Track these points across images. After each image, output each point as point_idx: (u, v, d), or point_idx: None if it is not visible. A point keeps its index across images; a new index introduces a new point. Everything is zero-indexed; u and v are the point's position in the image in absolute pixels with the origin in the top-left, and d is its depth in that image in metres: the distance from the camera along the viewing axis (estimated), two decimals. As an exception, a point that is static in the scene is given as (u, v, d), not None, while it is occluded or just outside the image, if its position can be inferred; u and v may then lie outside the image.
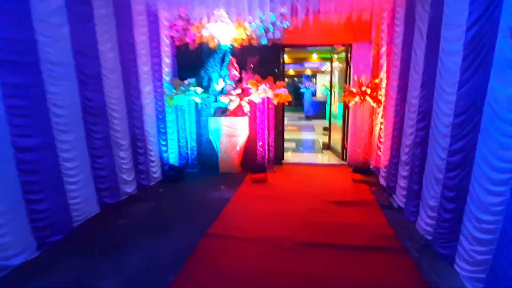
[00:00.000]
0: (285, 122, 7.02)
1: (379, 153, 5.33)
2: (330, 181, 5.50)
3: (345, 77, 6.28)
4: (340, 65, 9.02)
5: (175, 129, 5.98)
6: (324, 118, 13.64)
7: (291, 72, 18.53)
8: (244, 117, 5.85)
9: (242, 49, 5.92)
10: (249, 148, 6.18)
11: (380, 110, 5.39)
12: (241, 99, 5.81)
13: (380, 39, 5.36)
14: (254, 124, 6.11)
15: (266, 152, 6.10)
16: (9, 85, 2.70)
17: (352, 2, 4.43)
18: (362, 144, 5.98)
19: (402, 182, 4.15)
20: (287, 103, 5.90)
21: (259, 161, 6.08)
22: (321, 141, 8.78)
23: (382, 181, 5.07)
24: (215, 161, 6.02)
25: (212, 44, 5.86)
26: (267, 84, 5.60)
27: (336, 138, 7.98)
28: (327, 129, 10.09)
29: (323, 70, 17.23)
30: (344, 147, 6.63)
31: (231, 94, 5.77)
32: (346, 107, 6.40)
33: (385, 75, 5.15)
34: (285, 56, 6.93)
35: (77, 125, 3.54)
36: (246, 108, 5.95)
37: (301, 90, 15.67)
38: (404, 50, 4.20)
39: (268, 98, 5.83)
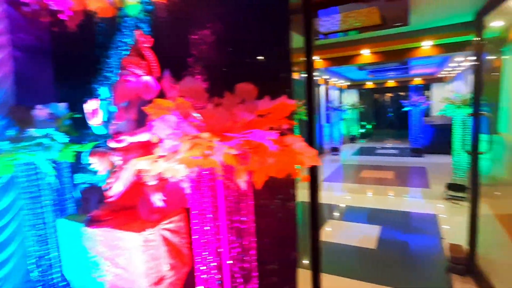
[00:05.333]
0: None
1: None
2: None
3: None
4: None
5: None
6: (445, 152, 7.93)
7: (390, 83, 13.21)
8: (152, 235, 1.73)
9: (175, 12, 1.95)
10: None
11: None
12: (138, 173, 1.72)
13: None
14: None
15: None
16: None
17: None
18: None
19: None
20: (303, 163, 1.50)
21: None
22: (444, 236, 3.77)
23: None
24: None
25: (109, 12, 2.10)
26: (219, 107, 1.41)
27: (499, 235, 3.06)
28: (460, 189, 4.89)
29: (441, 76, 11.38)
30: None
31: (116, 151, 1.77)
32: None
33: None
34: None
35: None
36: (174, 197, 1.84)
37: (404, 108, 10.28)
38: None
39: (226, 168, 1.57)
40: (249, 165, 1.40)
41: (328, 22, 3.77)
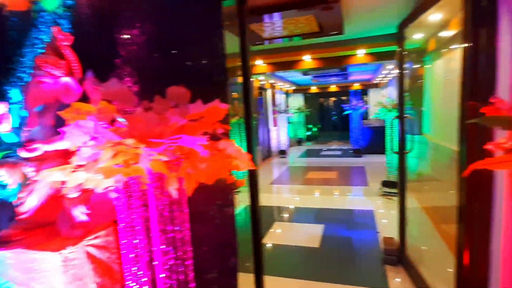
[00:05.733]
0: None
1: None
2: None
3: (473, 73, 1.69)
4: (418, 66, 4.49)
5: None
6: (380, 152, 8.65)
7: (333, 88, 14.02)
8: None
9: (99, 9, 1.80)
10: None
11: None
12: (56, 185, 1.55)
13: None
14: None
15: None
16: None
17: None
18: None
19: None
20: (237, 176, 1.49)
21: None
22: (380, 230, 4.06)
23: None
24: None
25: (22, 6, 1.86)
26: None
27: (425, 226, 3.35)
28: (392, 186, 5.32)
29: (376, 82, 12.41)
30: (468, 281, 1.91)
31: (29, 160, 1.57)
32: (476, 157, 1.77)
33: None
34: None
35: None
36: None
37: (345, 111, 10.96)
38: None
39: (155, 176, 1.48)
40: (180, 172, 1.34)
41: (269, 28, 3.85)
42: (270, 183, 7.05)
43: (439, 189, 4.15)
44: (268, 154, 10.26)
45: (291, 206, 5.37)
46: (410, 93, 5.51)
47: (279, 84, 11.43)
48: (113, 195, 1.60)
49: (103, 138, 1.25)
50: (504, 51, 1.45)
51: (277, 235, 4.09)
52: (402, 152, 3.01)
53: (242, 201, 3.58)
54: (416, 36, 3.84)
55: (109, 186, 1.48)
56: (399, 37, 2.90)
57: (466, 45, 1.66)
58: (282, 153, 10.63)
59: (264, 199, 5.68)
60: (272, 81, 10.20)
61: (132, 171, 1.24)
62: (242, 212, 4.28)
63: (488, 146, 1.26)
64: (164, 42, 1.76)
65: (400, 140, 3.02)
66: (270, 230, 4.23)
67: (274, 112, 10.86)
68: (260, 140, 9.60)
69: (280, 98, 12.17)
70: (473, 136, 1.65)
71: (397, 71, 3.06)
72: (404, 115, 2.96)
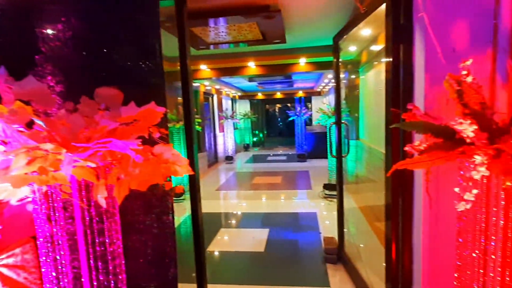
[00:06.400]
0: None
1: None
2: None
3: (395, 82, 1.87)
4: (353, 77, 4.85)
5: None
6: (323, 156, 9.11)
7: (278, 95, 14.48)
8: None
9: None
10: None
11: None
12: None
13: None
14: None
15: None
16: None
17: None
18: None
19: None
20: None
21: None
22: (321, 231, 4.26)
23: None
24: None
25: None
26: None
27: (361, 225, 3.58)
28: (333, 188, 5.64)
29: (319, 90, 13.15)
30: (395, 272, 2.09)
31: None
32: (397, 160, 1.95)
33: None
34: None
35: None
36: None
37: (290, 118, 11.39)
38: None
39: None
40: (109, 179, 1.24)
41: (213, 32, 3.83)
42: (216, 189, 6.97)
43: (373, 190, 4.49)
44: (214, 160, 10.16)
45: (238, 212, 5.37)
46: (348, 101, 5.92)
47: (225, 90, 11.45)
48: (30, 207, 1.43)
49: (16, 143, 1.11)
50: (419, 64, 1.64)
51: (223, 242, 4.04)
52: (339, 156, 3.21)
53: (188, 208, 3.48)
54: (350, 48, 4.16)
55: (25, 197, 1.31)
56: (334, 48, 3.10)
57: (388, 59, 1.84)
58: (229, 159, 10.61)
59: (211, 206, 5.59)
60: (218, 86, 10.17)
61: (51, 179, 1.11)
62: (188, 220, 4.15)
63: (406, 148, 1.40)
64: (94, 39, 1.63)
65: (337, 144, 3.21)
66: (216, 237, 4.16)
67: (221, 117, 10.83)
68: (207, 146, 9.46)
69: (226, 104, 12.18)
70: (396, 139, 1.82)
71: (334, 80, 3.27)
72: (341, 121, 3.16)
